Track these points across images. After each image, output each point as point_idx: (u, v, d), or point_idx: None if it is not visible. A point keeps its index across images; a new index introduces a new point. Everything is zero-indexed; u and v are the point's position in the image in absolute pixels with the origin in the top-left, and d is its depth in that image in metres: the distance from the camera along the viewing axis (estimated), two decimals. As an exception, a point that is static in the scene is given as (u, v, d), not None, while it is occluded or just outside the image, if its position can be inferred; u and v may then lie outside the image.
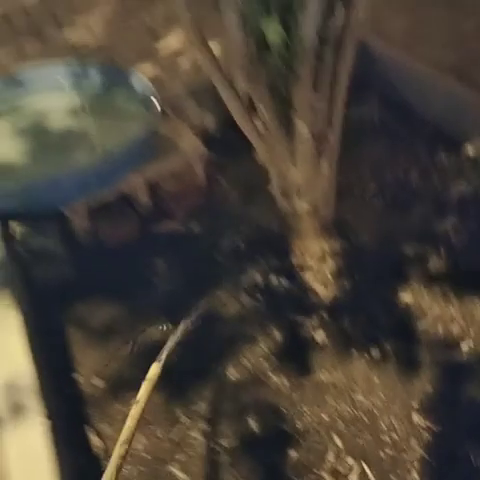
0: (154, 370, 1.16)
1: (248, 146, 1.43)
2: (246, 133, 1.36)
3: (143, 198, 1.78)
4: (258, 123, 1.29)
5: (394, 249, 1.57)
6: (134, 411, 1.05)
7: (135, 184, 1.74)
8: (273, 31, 1.04)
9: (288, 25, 1.06)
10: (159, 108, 1.74)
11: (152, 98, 1.78)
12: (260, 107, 1.25)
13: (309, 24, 1.06)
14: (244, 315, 1.48)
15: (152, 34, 2.76)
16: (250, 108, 1.29)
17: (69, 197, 1.60)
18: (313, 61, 1.14)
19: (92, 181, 1.60)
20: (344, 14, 1.15)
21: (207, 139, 1.95)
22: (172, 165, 1.80)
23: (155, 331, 1.49)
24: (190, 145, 1.84)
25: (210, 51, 1.23)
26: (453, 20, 2.32)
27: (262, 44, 1.11)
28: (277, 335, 1.42)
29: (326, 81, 1.23)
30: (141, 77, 1.91)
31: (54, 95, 1.93)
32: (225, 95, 1.28)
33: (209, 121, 2.18)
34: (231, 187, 1.88)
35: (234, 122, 1.58)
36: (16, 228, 1.64)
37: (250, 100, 1.27)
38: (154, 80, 1.95)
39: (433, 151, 1.87)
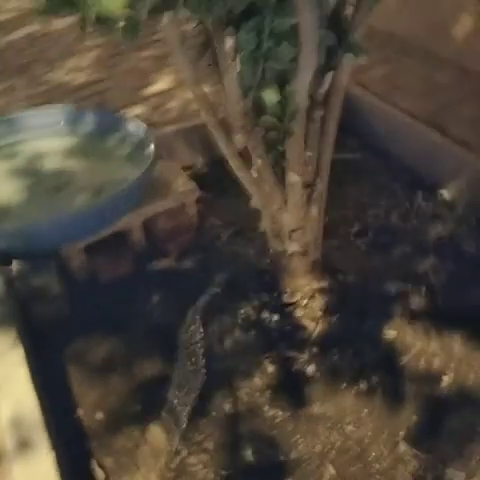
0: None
1: (237, 186, 1.52)
2: (241, 180, 1.46)
3: (138, 236, 1.85)
4: (253, 171, 1.39)
5: (378, 287, 1.67)
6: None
7: (131, 223, 1.82)
8: (270, 96, 1.15)
9: (283, 90, 1.17)
10: (153, 150, 1.83)
11: (147, 140, 1.87)
12: (255, 158, 1.35)
13: (301, 89, 1.17)
14: (238, 350, 1.56)
15: (143, 77, 2.89)
16: (246, 158, 1.39)
17: (68, 237, 1.67)
18: (304, 119, 1.25)
19: (91, 222, 1.67)
20: (332, 78, 1.27)
21: (198, 178, 2.05)
22: (166, 204, 1.88)
23: (152, 364, 1.55)
24: (183, 185, 1.94)
25: (212, 108, 1.33)
26: (428, 72, 2.51)
27: (258, 105, 1.22)
28: (270, 369, 1.49)
29: (316, 135, 1.35)
30: (136, 120, 2.00)
31: (50, 138, 2.00)
32: (223, 146, 1.38)
33: (199, 161, 2.30)
34: (222, 225, 1.98)
35: (223, 163, 1.69)
36: (15, 267, 1.69)
37: (246, 150, 1.38)
38: (145, 121, 2.05)
39: (412, 195, 2.01)
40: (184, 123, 2.36)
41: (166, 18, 1.09)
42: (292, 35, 1.08)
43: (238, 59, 1.13)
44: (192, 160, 2.27)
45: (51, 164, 1.91)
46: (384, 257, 1.79)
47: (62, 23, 3.48)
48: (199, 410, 1.42)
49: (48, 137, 2.00)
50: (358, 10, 1.23)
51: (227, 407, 1.42)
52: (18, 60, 3.20)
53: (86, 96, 2.75)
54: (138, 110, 2.57)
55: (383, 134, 2.24)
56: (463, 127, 2.13)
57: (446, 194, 1.95)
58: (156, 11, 0.91)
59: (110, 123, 2.01)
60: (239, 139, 1.30)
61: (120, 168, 1.88)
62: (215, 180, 2.15)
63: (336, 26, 1.23)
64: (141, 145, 1.90)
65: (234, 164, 1.40)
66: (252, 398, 1.44)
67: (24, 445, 1.17)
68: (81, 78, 2.94)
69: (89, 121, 2.02)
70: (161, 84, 2.78)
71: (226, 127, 1.36)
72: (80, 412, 1.43)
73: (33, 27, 3.54)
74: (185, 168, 2.14)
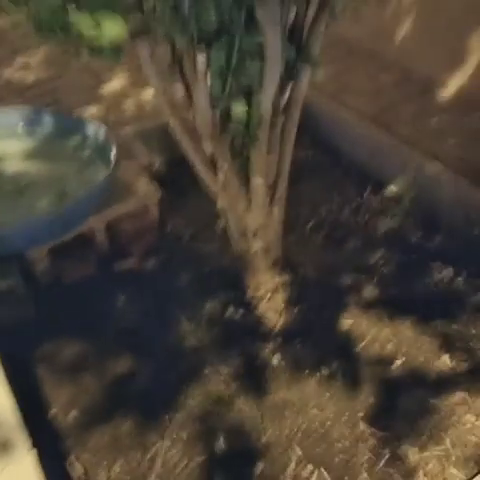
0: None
1: (196, 186, 1.58)
2: (207, 183, 1.52)
3: (101, 238, 1.88)
4: (219, 175, 1.46)
5: (334, 279, 1.78)
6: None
7: (94, 225, 1.84)
8: (238, 107, 1.22)
9: (249, 100, 1.25)
10: (115, 153, 1.85)
11: (108, 143, 1.89)
12: (221, 162, 1.42)
13: (266, 100, 1.26)
14: (205, 344, 1.63)
15: (95, 76, 2.87)
16: (212, 163, 1.46)
17: (33, 241, 1.68)
18: (268, 126, 1.34)
19: (56, 226, 1.69)
20: (292, 88, 1.36)
21: (157, 178, 2.09)
22: (128, 207, 1.92)
23: (120, 362, 1.60)
24: (144, 186, 1.98)
25: (179, 117, 1.39)
26: (373, 72, 2.65)
27: (226, 114, 1.29)
28: (238, 361, 1.57)
29: (277, 140, 1.44)
30: (95, 122, 2.02)
31: (8, 140, 1.99)
32: (191, 152, 1.44)
33: (157, 161, 2.33)
34: (183, 225, 2.03)
35: (181, 163, 1.74)
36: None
37: (212, 156, 1.44)
38: (101, 121, 2.06)
39: (361, 190, 2.14)
40: (141, 123, 2.39)
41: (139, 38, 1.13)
42: (257, 51, 1.15)
43: (208, 73, 1.19)
44: (150, 160, 2.30)
45: (11, 167, 1.90)
46: (338, 250, 1.91)
47: (7, 20, 3.39)
48: (172, 403, 1.49)
49: (6, 139, 1.98)
50: (315, 25, 1.31)
51: (198, 399, 1.50)
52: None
53: (37, 95, 2.71)
54: (93, 110, 2.56)
55: (333, 133, 2.36)
56: (407, 126, 2.28)
57: (394, 189, 2.09)
58: (134, 35, 0.95)
59: (69, 125, 2.01)
60: (208, 146, 1.36)
61: (81, 171, 1.90)
62: (174, 180, 2.20)
63: (295, 39, 1.32)
64: (102, 147, 1.92)
65: (201, 169, 1.47)
66: (221, 389, 1.52)
67: (5, 446, 1.20)
68: (31, 76, 2.88)
69: (48, 123, 2.02)
70: (115, 83, 2.78)
71: (193, 134, 1.42)
72: (54, 411, 1.46)
73: (-24, 22, 3.42)
74: (143, 168, 2.17)
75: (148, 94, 2.65)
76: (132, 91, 2.70)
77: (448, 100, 2.38)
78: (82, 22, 0.89)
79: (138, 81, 2.75)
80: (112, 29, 0.91)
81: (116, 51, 1.03)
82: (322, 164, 2.32)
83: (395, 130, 2.26)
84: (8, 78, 2.85)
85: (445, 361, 1.56)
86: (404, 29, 2.60)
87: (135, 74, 2.76)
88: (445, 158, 2.02)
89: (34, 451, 1.19)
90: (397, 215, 2.00)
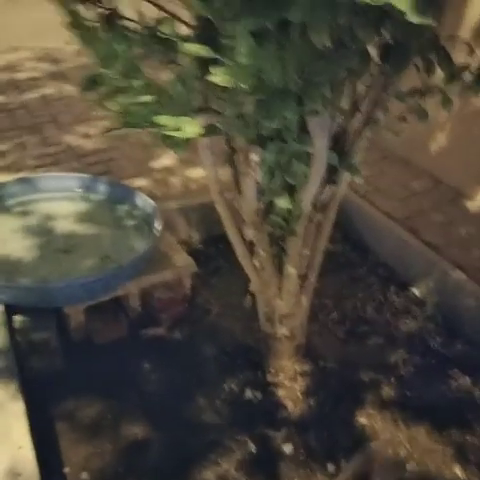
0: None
1: (229, 266, 1.68)
2: (243, 265, 1.63)
3: (135, 303, 1.98)
4: (255, 261, 1.57)
5: (352, 374, 1.82)
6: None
7: (130, 290, 1.95)
8: (282, 202, 1.35)
9: (291, 197, 1.38)
10: (159, 224, 1.99)
11: (154, 216, 2.04)
12: (259, 249, 1.54)
13: (307, 198, 1.38)
14: (220, 423, 1.66)
15: (147, 151, 3.10)
16: (250, 247, 1.57)
17: (74, 298, 1.79)
18: (306, 222, 1.46)
19: (96, 287, 1.80)
20: (331, 189, 1.50)
21: (193, 254, 2.22)
22: (163, 276, 2.03)
23: (138, 429, 1.63)
24: (181, 259, 2.10)
25: (227, 204, 1.53)
26: (404, 179, 2.81)
27: (269, 206, 1.43)
28: (250, 445, 1.60)
29: (312, 235, 1.55)
30: (144, 195, 2.19)
31: (64, 202, 2.16)
32: (232, 235, 1.56)
33: (195, 238, 2.47)
34: (213, 301, 2.12)
35: (217, 242, 1.83)
36: (17, 320, 1.79)
37: (251, 242, 1.56)
38: (147, 193, 2.23)
39: (385, 289, 2.22)
40: (185, 201, 2.56)
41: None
42: (305, 156, 1.30)
43: (258, 170, 1.33)
44: (189, 235, 2.44)
45: (62, 227, 2.05)
46: (359, 346, 1.96)
47: (75, 90, 3.73)
48: (181, 477, 1.50)
49: (62, 201, 2.16)
50: (358, 137, 1.47)
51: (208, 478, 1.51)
52: (30, 120, 3.39)
53: (92, 163, 2.93)
54: (141, 182, 2.75)
55: (363, 231, 2.48)
56: (434, 232, 2.39)
57: (417, 292, 2.16)
58: (204, 134, 1.10)
59: (120, 194, 2.18)
60: (249, 232, 1.48)
61: (126, 238, 2.04)
62: (209, 257, 2.32)
63: (338, 147, 1.46)
64: (148, 218, 2.07)
65: (240, 252, 1.58)
66: (231, 472, 1.53)
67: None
68: (89, 145, 3.13)
69: (102, 190, 2.20)
70: (164, 160, 3.00)
71: (237, 219, 1.54)
72: (67, 470, 1.50)
73: (48, 90, 3.77)
74: (181, 242, 2.31)
75: (194, 173, 2.85)
76: (179, 169, 2.90)
77: (475, 212, 2.50)
78: (166, 123, 1.04)
79: (186, 160, 2.97)
80: (190, 130, 1.06)
81: (187, 144, 1.18)
82: (350, 260, 2.42)
83: (422, 235, 2.37)
84: (69, 144, 3.10)
85: (457, 472, 1.56)
86: (437, 141, 2.78)
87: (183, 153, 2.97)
88: (469, 268, 2.11)
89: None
90: (419, 317, 2.06)
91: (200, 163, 1.50)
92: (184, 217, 2.47)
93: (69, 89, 3.79)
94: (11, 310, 1.79)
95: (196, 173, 2.83)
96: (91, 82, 1.18)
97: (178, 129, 1.03)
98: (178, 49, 1.10)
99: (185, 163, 2.94)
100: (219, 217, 1.60)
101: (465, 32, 2.27)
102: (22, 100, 3.64)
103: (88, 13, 1.06)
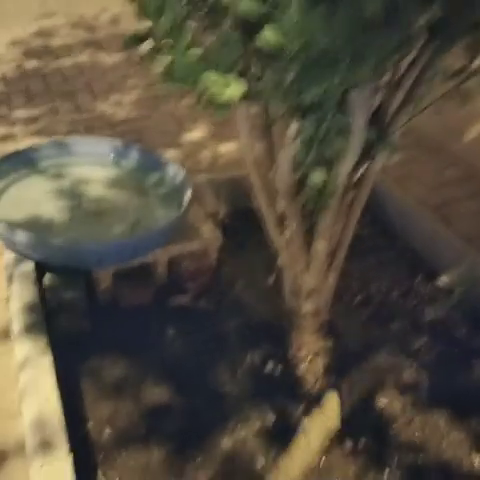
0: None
1: (255, 240, 1.67)
2: (272, 238, 1.62)
3: (162, 271, 2.00)
4: (285, 233, 1.57)
5: (375, 356, 1.82)
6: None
7: (157, 258, 1.96)
8: (317, 176, 1.34)
9: (327, 171, 1.37)
10: (188, 195, 1.99)
11: (184, 185, 2.04)
12: (290, 222, 1.53)
13: (342, 173, 1.37)
14: (242, 394, 1.68)
15: (179, 123, 3.10)
16: (281, 220, 1.56)
17: (102, 261, 1.81)
18: (339, 197, 1.44)
19: (125, 251, 1.82)
20: (366, 167, 1.47)
21: (221, 227, 2.22)
22: (190, 247, 2.04)
23: (160, 391, 1.66)
24: (208, 231, 2.10)
25: (260, 173, 1.52)
26: (438, 166, 2.76)
27: (303, 179, 1.41)
28: (269, 415, 1.61)
29: (344, 212, 1.54)
30: (176, 164, 2.19)
31: (97, 167, 2.17)
32: (264, 207, 1.56)
33: (223, 211, 2.47)
34: (238, 274, 2.13)
35: (245, 215, 1.82)
36: (47, 280, 1.82)
37: (282, 215, 1.55)
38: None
39: (413, 275, 2.19)
40: (214, 174, 2.56)
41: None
42: (344, 130, 1.28)
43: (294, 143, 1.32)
44: (217, 208, 2.44)
45: (94, 191, 2.07)
46: (382, 329, 1.95)
47: (109, 59, 3.73)
48: (198, 445, 1.53)
49: (95, 165, 2.17)
50: (399, 114, 1.44)
51: (225, 445, 1.53)
52: (64, 87, 3.41)
53: (124, 131, 2.95)
54: (172, 153, 2.76)
55: (393, 217, 2.45)
56: (465, 222, 2.35)
57: (445, 281, 2.13)
58: (244, 100, 1.09)
59: (152, 162, 2.19)
60: (281, 204, 1.48)
61: (156, 206, 2.05)
62: (235, 230, 2.32)
63: (377, 122, 1.44)
64: (178, 188, 2.07)
65: (271, 224, 1.57)
66: (249, 440, 1.55)
67: (45, 445, 1.27)
68: (121, 114, 3.14)
69: (134, 157, 2.20)
70: (195, 133, 3.00)
71: (269, 191, 1.54)
72: (90, 424, 1.53)
73: (82, 57, 3.78)
74: (209, 215, 2.31)
75: (224, 148, 2.84)
76: (210, 142, 2.90)
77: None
78: (216, 81, 1.03)
79: (216, 134, 2.96)
80: (236, 90, 1.05)
81: (227, 107, 1.17)
82: (377, 244, 2.39)
83: (453, 224, 2.33)
84: (102, 112, 3.11)
85: (474, 461, 1.55)
86: (474, 129, 2.72)
87: (215, 127, 2.97)
88: (500, 260, 2.07)
89: (71, 456, 1.26)
90: (445, 306, 2.03)
91: (230, 137, 1.49)
92: (213, 190, 2.47)
93: (102, 57, 3.79)
94: (42, 268, 1.82)
95: (226, 148, 2.83)
96: (134, 39, 1.17)
97: (227, 85, 1.01)
98: (224, 10, 1.08)
99: (215, 137, 2.93)
100: (247, 192, 1.59)
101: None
102: (56, 67, 3.65)
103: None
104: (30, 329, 1.61)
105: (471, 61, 1.35)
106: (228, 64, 1.14)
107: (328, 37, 0.98)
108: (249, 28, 1.07)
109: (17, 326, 1.66)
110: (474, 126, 2.75)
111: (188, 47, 1.08)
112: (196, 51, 1.06)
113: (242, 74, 1.18)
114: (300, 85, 1.12)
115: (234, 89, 1.04)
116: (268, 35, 0.95)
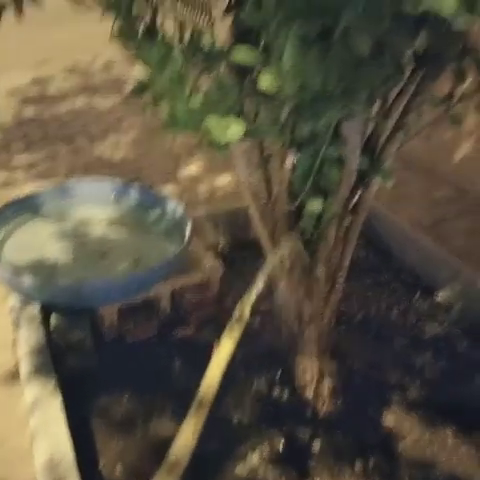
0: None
1: (255, 269, 1.72)
2: (274, 268, 1.67)
3: (165, 304, 2.04)
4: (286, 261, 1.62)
5: (379, 375, 1.85)
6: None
7: (161, 292, 2.01)
8: (314, 205, 1.41)
9: (324, 200, 1.43)
10: (189, 229, 2.05)
11: (183, 220, 2.11)
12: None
13: (338, 202, 1.43)
14: (249, 421, 1.70)
15: (175, 158, 3.19)
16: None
17: (107, 299, 1.86)
18: (336, 224, 1.51)
19: (129, 288, 1.87)
20: (361, 193, 1.54)
21: (221, 258, 2.27)
22: (193, 279, 2.09)
23: (167, 425, 1.68)
24: (209, 262, 2.16)
25: (258, 205, 1.58)
26: (428, 186, 2.84)
27: (300, 209, 1.48)
28: (279, 442, 1.63)
29: (342, 237, 1.60)
30: (174, 201, 2.26)
31: (99, 207, 2.25)
32: (264, 237, 1.62)
33: (223, 242, 2.53)
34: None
35: (244, 246, 1.87)
36: (53, 320, 1.86)
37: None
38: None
39: (411, 294, 2.24)
40: (212, 207, 2.63)
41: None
42: (338, 160, 1.35)
43: (290, 174, 1.39)
44: (217, 240, 2.50)
45: (98, 231, 2.13)
46: (385, 348, 1.98)
47: (105, 102, 3.86)
48: (211, 475, 1.54)
49: (98, 205, 2.24)
50: (389, 142, 1.50)
51: (238, 471, 1.55)
52: (61, 131, 3.52)
53: (122, 172, 3.03)
54: (170, 189, 2.84)
55: (387, 238, 2.51)
56: (459, 240, 2.41)
57: (442, 297, 2.17)
58: (245, 135, 1.16)
59: (152, 200, 2.26)
60: (281, 235, 1.54)
61: (157, 242, 2.11)
62: (235, 260, 2.37)
63: (369, 151, 1.51)
64: (178, 223, 2.14)
65: (269, 252, 1.63)
66: (260, 466, 1.57)
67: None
68: (119, 154, 3.24)
69: (134, 196, 2.28)
70: (192, 168, 3.09)
71: (268, 222, 1.60)
72: (102, 463, 1.55)
73: (78, 102, 3.90)
74: (209, 247, 2.37)
75: (220, 181, 2.92)
76: (206, 176, 2.99)
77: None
78: (217, 125, 1.09)
79: (212, 168, 3.05)
80: (235, 130, 1.12)
81: (228, 147, 1.23)
82: (373, 265, 2.44)
83: (447, 242, 2.39)
84: (100, 153, 3.21)
85: (485, 476, 1.57)
86: (461, 150, 2.81)
87: (210, 161, 3.06)
88: (495, 275, 2.12)
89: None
90: (445, 322, 2.07)
91: (225, 170, 1.56)
92: (212, 223, 2.53)
93: (97, 102, 3.91)
94: (47, 310, 1.86)
95: (222, 180, 2.91)
96: (141, 88, 1.24)
97: (227, 128, 1.08)
98: (218, 57, 1.16)
99: (211, 171, 3.02)
100: (245, 223, 1.65)
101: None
102: (53, 113, 3.77)
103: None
104: (38, 371, 1.64)
105: (457, 87, 1.42)
106: (226, 106, 1.21)
107: (321, 77, 1.04)
108: (243, 71, 1.15)
109: (25, 369, 1.69)
110: (461, 147, 2.85)
111: (190, 95, 1.15)
112: (197, 98, 1.13)
113: (239, 113, 1.26)
114: (296, 121, 1.18)
115: (234, 130, 1.11)
116: (264, 79, 1.02)
